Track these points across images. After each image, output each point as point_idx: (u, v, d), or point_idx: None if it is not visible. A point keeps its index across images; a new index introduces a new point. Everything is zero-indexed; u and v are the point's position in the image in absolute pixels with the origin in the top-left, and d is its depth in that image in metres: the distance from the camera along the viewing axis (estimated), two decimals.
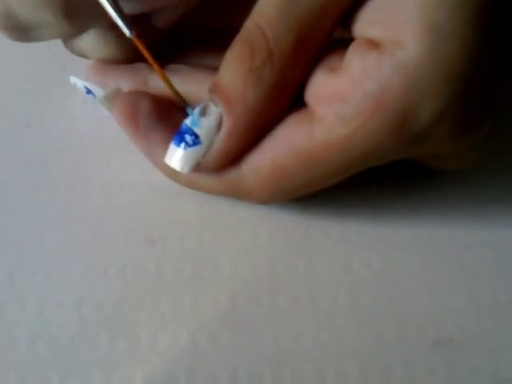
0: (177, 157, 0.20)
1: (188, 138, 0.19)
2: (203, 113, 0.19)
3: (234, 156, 0.20)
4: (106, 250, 0.22)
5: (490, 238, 0.22)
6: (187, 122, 0.20)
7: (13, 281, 0.21)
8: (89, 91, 0.24)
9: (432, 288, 0.21)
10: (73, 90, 0.25)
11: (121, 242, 0.22)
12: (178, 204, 0.23)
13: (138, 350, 0.20)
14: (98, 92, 0.24)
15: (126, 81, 0.23)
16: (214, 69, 0.22)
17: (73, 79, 0.24)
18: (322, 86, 0.19)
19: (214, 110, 0.19)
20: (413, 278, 0.21)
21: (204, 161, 0.20)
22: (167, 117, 0.21)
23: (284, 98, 0.19)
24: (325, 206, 0.23)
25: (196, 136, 0.19)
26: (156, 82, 0.23)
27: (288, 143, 0.19)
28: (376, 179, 0.22)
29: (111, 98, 0.22)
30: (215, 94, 0.19)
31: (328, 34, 0.19)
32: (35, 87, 0.27)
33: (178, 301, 0.21)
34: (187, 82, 0.22)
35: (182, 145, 0.19)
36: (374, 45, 0.17)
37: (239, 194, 0.21)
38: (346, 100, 0.18)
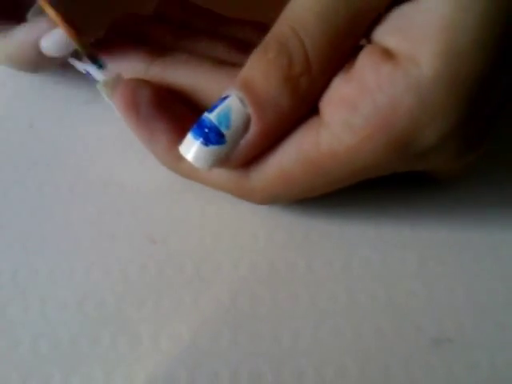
0: (195, 151, 0.19)
1: (211, 135, 0.19)
2: (230, 111, 0.19)
3: (254, 157, 0.20)
4: (108, 250, 0.22)
5: (488, 237, 0.22)
6: (210, 116, 0.19)
7: (15, 280, 0.21)
8: (89, 73, 0.23)
9: (431, 287, 0.21)
10: (74, 90, 0.25)
11: (122, 241, 0.22)
12: (180, 204, 0.23)
13: (140, 349, 0.20)
14: (98, 75, 0.23)
15: (127, 64, 0.23)
16: (221, 61, 0.22)
17: (72, 60, 0.23)
18: (332, 90, 0.19)
19: (242, 110, 0.19)
20: (412, 277, 0.21)
21: (225, 160, 0.19)
22: (168, 106, 0.21)
23: (311, 105, 0.19)
24: (325, 206, 0.23)
25: (221, 134, 0.19)
26: (157, 69, 0.22)
27: (295, 148, 0.19)
28: (376, 180, 0.22)
29: (111, 85, 0.22)
30: (246, 95, 0.18)
31: (357, 42, 0.19)
32: (37, 88, 0.27)
33: (179, 300, 0.21)
34: (192, 74, 0.22)
35: (202, 139, 0.19)
36: (388, 55, 0.17)
37: (241, 193, 0.21)
38: (354, 108, 0.18)
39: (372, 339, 0.20)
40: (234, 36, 0.24)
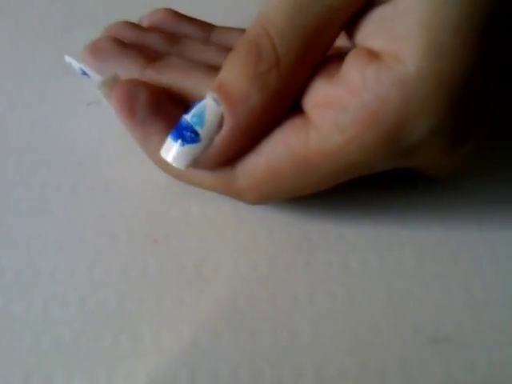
0: (174, 152, 0.20)
1: (187, 134, 0.19)
2: (204, 110, 0.19)
3: (232, 156, 0.20)
4: (110, 249, 0.22)
5: (484, 237, 0.22)
6: (187, 117, 0.19)
7: (18, 279, 0.22)
8: (84, 73, 0.24)
9: (428, 286, 0.21)
10: (76, 91, 0.25)
11: (124, 241, 0.23)
12: (180, 204, 0.24)
13: (141, 347, 0.20)
14: (94, 75, 0.23)
15: (121, 68, 0.23)
16: (213, 66, 0.22)
17: (68, 59, 0.24)
18: (320, 93, 0.19)
19: (216, 109, 0.19)
20: (409, 276, 0.21)
21: (201, 158, 0.20)
22: (164, 109, 0.21)
23: (285, 103, 0.19)
24: (323, 206, 0.23)
25: (196, 133, 0.19)
26: (151, 74, 0.22)
27: (283, 147, 0.19)
28: (374, 180, 0.22)
29: (109, 85, 0.22)
30: (218, 93, 0.19)
31: (332, 41, 0.19)
32: (39, 89, 0.28)
33: (179, 299, 0.21)
34: (185, 78, 0.22)
35: (180, 140, 0.19)
36: (373, 56, 0.18)
37: (230, 193, 0.21)
38: (342, 109, 0.18)
39: (370, 337, 0.20)
40: (222, 42, 0.25)
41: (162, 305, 0.21)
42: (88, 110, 0.27)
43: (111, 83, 0.22)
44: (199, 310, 0.21)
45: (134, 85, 0.21)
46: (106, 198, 0.24)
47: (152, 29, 0.26)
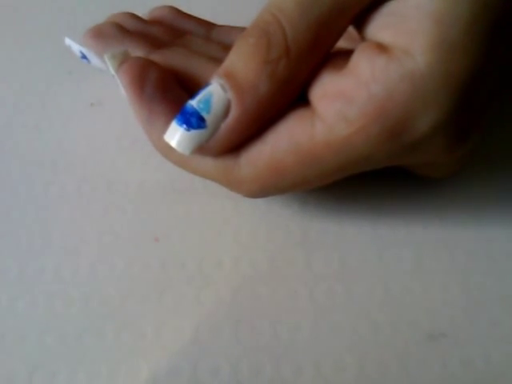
0: (178, 137, 0.19)
1: (193, 119, 0.19)
2: (211, 97, 0.19)
3: (237, 144, 0.20)
4: (112, 248, 0.23)
5: (481, 235, 0.23)
6: (192, 103, 0.19)
7: (23, 277, 0.22)
8: (84, 56, 0.23)
9: (425, 284, 0.21)
10: (79, 92, 0.26)
11: (126, 239, 0.23)
12: (181, 203, 0.24)
13: (144, 343, 0.20)
14: (94, 59, 0.23)
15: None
16: (215, 58, 0.22)
17: (68, 41, 0.23)
18: (327, 85, 0.19)
19: (223, 95, 0.19)
20: (407, 273, 0.22)
21: (207, 145, 0.19)
22: (172, 91, 0.21)
23: (292, 93, 0.19)
24: (323, 205, 0.23)
25: (202, 119, 0.19)
26: (156, 59, 0.22)
27: (288, 138, 0.19)
28: (373, 179, 0.23)
29: (118, 59, 0.21)
30: (226, 80, 0.19)
31: (341, 33, 0.19)
32: (44, 91, 0.28)
33: (181, 296, 0.21)
34: (191, 63, 0.22)
35: (185, 125, 0.19)
36: (383, 49, 0.18)
37: (231, 183, 0.21)
38: (349, 100, 0.18)
39: (369, 334, 0.20)
40: (223, 40, 0.25)
41: (163, 302, 0.21)
42: (91, 110, 0.27)
43: (121, 57, 0.21)
44: (200, 307, 0.21)
45: (145, 62, 0.21)
46: (109, 197, 0.24)
47: (155, 22, 0.26)
